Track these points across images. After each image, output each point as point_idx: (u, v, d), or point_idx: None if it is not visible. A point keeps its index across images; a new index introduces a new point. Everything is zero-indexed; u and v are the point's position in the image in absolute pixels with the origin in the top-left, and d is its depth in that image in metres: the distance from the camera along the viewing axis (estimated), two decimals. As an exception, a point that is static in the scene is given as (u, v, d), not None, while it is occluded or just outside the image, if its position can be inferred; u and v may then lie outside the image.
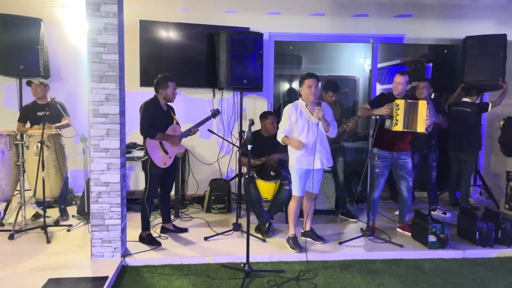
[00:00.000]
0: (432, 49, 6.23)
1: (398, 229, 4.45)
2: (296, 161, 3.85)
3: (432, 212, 4.86)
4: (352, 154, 7.31)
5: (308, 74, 3.84)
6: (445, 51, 6.04)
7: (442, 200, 5.45)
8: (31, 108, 4.55)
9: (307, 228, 4.10)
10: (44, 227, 3.99)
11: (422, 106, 3.94)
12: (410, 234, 4.25)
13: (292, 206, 3.96)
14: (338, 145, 4.87)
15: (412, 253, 3.88)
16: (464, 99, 5.18)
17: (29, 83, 4.52)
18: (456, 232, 4.28)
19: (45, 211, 4.10)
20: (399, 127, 3.97)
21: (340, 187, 4.89)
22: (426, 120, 3.93)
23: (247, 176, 4.30)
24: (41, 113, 4.47)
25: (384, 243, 4.05)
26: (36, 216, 4.54)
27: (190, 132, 4.10)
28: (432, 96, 5.88)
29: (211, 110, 4.21)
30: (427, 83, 4.78)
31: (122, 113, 3.58)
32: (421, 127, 3.94)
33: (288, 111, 3.85)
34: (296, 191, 3.91)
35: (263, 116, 4.67)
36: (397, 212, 4.68)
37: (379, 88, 5.96)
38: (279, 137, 3.88)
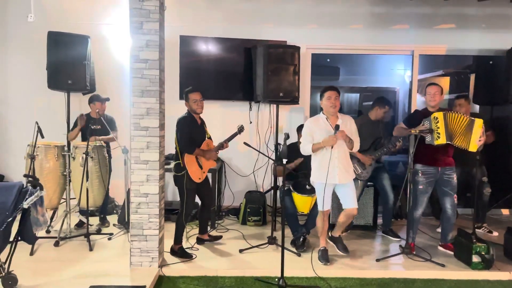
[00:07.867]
0: (476, 60, 6.00)
1: (440, 248, 4.27)
2: (313, 175, 3.87)
3: (477, 230, 4.62)
4: (390, 168, 7.10)
5: (327, 86, 3.85)
6: (491, 62, 5.80)
7: (490, 219, 5.17)
8: (86, 120, 4.78)
9: (336, 234, 4.09)
10: (87, 235, 4.17)
11: (478, 126, 3.82)
12: (452, 253, 4.08)
13: (317, 222, 3.95)
14: (382, 165, 4.75)
15: (455, 273, 3.72)
16: None
17: (99, 99, 4.75)
18: (502, 253, 4.06)
19: (88, 220, 4.28)
20: (442, 140, 3.83)
21: (389, 208, 4.65)
22: (480, 141, 3.83)
23: (283, 189, 4.29)
24: (93, 126, 4.69)
25: (425, 262, 3.91)
26: (78, 225, 4.73)
27: (222, 147, 4.19)
28: (478, 110, 5.64)
29: (237, 126, 4.32)
30: (464, 99, 4.56)
31: (161, 126, 3.70)
32: (473, 147, 3.83)
33: (308, 125, 3.87)
34: (318, 205, 3.89)
35: (299, 129, 4.66)
36: (439, 230, 4.50)
37: (420, 100, 5.79)
38: (306, 150, 3.83)
